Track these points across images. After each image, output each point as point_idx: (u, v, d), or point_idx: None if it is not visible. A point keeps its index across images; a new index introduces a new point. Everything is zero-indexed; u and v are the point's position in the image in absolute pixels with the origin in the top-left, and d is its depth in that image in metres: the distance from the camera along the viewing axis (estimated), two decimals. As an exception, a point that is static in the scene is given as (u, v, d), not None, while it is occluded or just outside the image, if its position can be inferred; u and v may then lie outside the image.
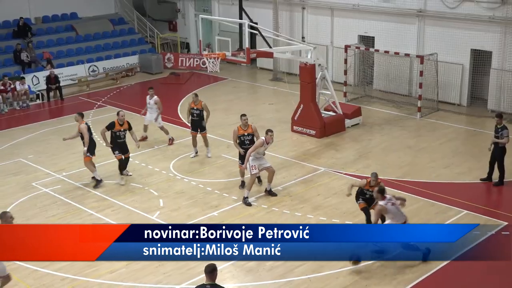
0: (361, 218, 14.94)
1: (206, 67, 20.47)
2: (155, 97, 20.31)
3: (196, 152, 19.26)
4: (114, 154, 17.38)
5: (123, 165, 17.47)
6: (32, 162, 19.17)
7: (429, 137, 20.84)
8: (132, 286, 12.37)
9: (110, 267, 13.01)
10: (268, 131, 15.94)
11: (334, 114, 21.71)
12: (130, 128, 17.44)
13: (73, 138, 17.68)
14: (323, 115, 21.30)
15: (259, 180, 16.89)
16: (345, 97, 24.90)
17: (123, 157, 17.35)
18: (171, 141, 20.32)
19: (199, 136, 19.08)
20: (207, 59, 20.15)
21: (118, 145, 17.23)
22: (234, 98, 26.24)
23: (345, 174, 17.72)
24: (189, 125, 19.26)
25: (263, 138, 15.82)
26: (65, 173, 18.23)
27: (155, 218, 15.24)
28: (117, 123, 17.14)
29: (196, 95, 19.21)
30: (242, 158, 16.29)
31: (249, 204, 15.82)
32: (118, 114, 17.28)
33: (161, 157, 19.31)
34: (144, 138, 20.47)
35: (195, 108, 18.89)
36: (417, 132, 21.41)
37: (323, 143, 20.34)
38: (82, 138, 17.09)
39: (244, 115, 16.73)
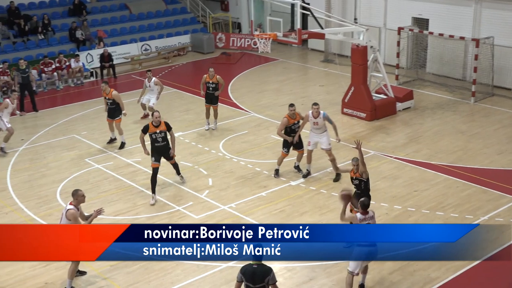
0: (409, 203, 14.84)
1: (257, 48, 20.46)
2: (154, 78, 20.75)
3: (208, 124, 19.98)
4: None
5: (176, 169, 16.11)
6: (86, 139, 19.59)
7: (482, 122, 20.42)
8: (180, 263, 12.39)
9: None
10: (313, 104, 15.90)
11: (385, 97, 21.45)
12: (169, 129, 15.33)
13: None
14: (374, 97, 21.08)
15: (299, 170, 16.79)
16: (397, 80, 24.56)
17: (159, 165, 15.22)
18: (144, 116, 21.04)
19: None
20: (258, 40, 20.12)
21: (156, 150, 15.14)
22: (284, 79, 26.19)
23: (395, 158, 17.54)
24: (204, 97, 19.91)
25: (309, 112, 15.80)
26: (117, 150, 18.56)
27: (203, 196, 15.42)
28: (151, 125, 15.16)
29: (212, 68, 19.83)
30: (287, 146, 16.25)
31: (305, 175, 16.26)
32: (152, 115, 15.49)
33: (210, 136, 19.47)
34: (146, 116, 21.03)
35: (210, 82, 19.44)
36: (470, 117, 20.99)
37: (373, 126, 20.16)
38: (112, 104, 18.39)
39: (292, 105, 16.13)
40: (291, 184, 16.00)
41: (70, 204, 11.62)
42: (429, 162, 17.20)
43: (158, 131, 15.05)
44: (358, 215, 11.37)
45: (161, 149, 15.18)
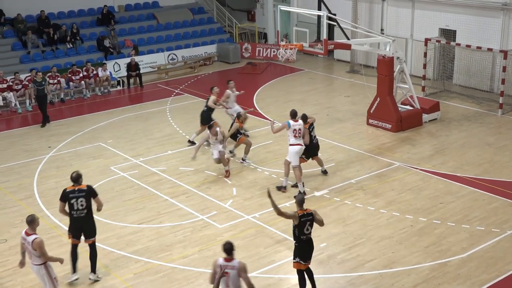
0: (435, 216, 14.69)
1: (283, 58, 20.45)
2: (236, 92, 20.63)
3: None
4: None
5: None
6: (111, 147, 19.75)
7: (510, 135, 20.15)
8: (203, 272, 12.52)
9: (183, 252, 13.30)
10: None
11: (411, 108, 21.31)
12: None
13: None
14: (400, 109, 20.95)
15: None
16: (423, 91, 24.39)
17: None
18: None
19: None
20: (284, 50, 20.14)
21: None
22: (310, 89, 26.16)
23: (421, 169, 17.38)
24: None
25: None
26: (142, 158, 18.68)
27: (227, 206, 15.43)
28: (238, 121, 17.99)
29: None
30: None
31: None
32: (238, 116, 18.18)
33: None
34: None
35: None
36: (497, 130, 20.74)
37: (399, 138, 20.02)
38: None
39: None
40: (315, 195, 15.94)
41: (30, 234, 10.81)
42: (455, 175, 17.03)
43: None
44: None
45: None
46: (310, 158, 16.65)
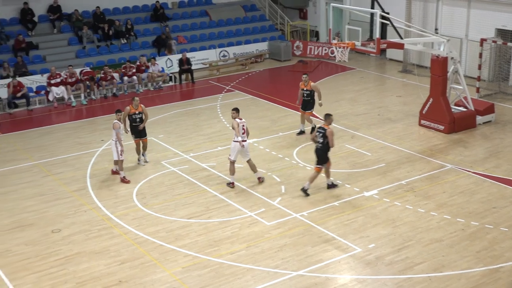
0: (487, 220, 14.39)
1: (335, 56, 20.34)
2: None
3: (302, 129, 20.12)
4: None
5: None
6: (162, 142, 19.99)
7: None
8: (250, 269, 12.58)
9: (230, 248, 13.37)
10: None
11: (465, 109, 20.90)
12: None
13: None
14: (453, 110, 20.57)
15: None
16: (477, 92, 23.87)
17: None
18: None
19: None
20: (336, 48, 20.01)
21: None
22: (361, 88, 25.94)
23: (473, 172, 17.04)
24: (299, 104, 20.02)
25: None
26: (193, 154, 18.85)
27: (276, 203, 15.43)
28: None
29: (306, 75, 19.89)
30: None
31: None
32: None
33: (285, 144, 19.48)
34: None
35: (305, 89, 19.60)
36: (555, 133, 20.18)
37: (451, 139, 19.67)
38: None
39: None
40: (364, 195, 15.81)
41: None
42: (510, 179, 16.64)
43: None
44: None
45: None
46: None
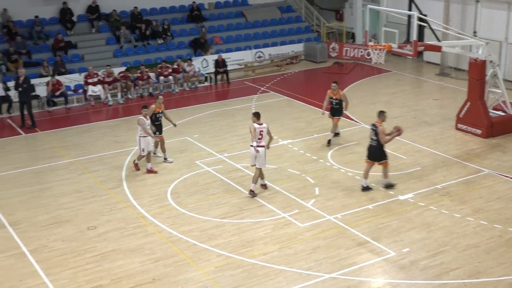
0: (526, 226, 14.15)
1: (371, 58, 20.26)
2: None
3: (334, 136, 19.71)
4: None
5: None
6: (197, 141, 20.11)
7: None
8: (283, 270, 12.56)
9: (263, 249, 13.38)
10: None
11: (503, 114, 20.57)
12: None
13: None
14: (491, 114, 20.26)
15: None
16: (517, 96, 23.49)
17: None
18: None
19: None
20: (372, 50, 19.90)
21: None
22: (397, 91, 25.72)
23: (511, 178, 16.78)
24: (326, 111, 19.62)
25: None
26: (227, 154, 18.92)
27: (309, 205, 15.39)
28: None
29: (336, 84, 19.48)
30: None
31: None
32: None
33: (319, 146, 19.41)
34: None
35: (334, 97, 19.30)
36: None
37: (489, 144, 19.37)
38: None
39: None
40: (399, 199, 15.67)
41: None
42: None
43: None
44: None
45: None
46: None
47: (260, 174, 16.07)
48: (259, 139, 15.74)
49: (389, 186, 16.20)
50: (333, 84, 19.43)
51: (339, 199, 15.73)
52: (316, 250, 13.29)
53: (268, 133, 16.04)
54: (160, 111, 18.48)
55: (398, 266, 12.64)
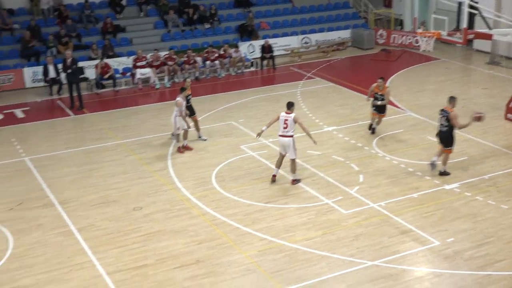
0: None
1: (419, 46, 19.98)
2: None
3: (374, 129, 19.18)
4: None
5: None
6: (242, 126, 20.23)
7: None
8: (325, 256, 12.60)
9: (306, 234, 13.44)
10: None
11: (555, 104, 20.12)
12: None
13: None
14: (542, 104, 19.85)
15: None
16: None
17: None
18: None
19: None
20: (421, 38, 19.64)
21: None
22: (445, 79, 25.34)
23: (562, 170, 16.41)
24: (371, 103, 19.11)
25: None
26: (272, 139, 18.95)
27: (353, 192, 15.37)
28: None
29: (382, 79, 18.89)
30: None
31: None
32: None
33: (364, 133, 19.29)
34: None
35: (379, 93, 18.67)
36: None
37: (539, 135, 19.00)
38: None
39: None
40: (444, 188, 15.51)
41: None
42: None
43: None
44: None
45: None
46: None
47: (292, 166, 15.84)
48: (284, 128, 15.56)
49: (444, 173, 16.08)
50: (379, 80, 18.81)
51: (383, 187, 15.65)
52: (358, 237, 13.28)
53: (301, 127, 15.65)
54: (189, 94, 18.81)
55: (442, 256, 12.54)
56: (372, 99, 19.03)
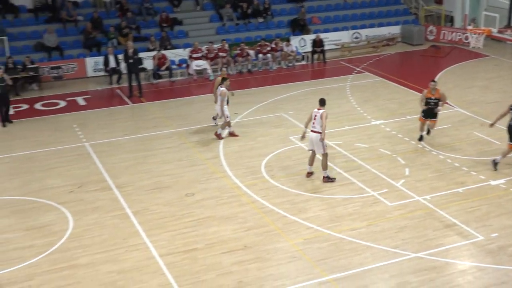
0: None
1: (469, 42, 19.99)
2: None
3: (422, 137, 18.24)
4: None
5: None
6: (292, 118, 20.67)
7: None
8: (370, 247, 12.87)
9: (351, 225, 13.81)
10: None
11: None
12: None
13: None
14: None
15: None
16: None
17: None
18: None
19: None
20: (471, 34, 19.68)
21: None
22: (494, 76, 25.22)
23: None
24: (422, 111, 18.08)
25: None
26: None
27: (399, 185, 15.63)
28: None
29: (435, 82, 17.93)
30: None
31: None
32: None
33: (412, 127, 19.40)
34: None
35: (433, 98, 17.68)
36: None
37: None
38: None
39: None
40: (490, 184, 15.64)
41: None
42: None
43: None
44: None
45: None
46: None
47: (323, 162, 15.90)
48: (313, 124, 15.73)
49: (496, 164, 16.25)
50: (432, 83, 17.78)
51: (428, 180, 15.87)
52: (403, 229, 13.53)
53: (321, 120, 15.55)
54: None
55: (485, 251, 12.68)
56: (425, 108, 17.85)
